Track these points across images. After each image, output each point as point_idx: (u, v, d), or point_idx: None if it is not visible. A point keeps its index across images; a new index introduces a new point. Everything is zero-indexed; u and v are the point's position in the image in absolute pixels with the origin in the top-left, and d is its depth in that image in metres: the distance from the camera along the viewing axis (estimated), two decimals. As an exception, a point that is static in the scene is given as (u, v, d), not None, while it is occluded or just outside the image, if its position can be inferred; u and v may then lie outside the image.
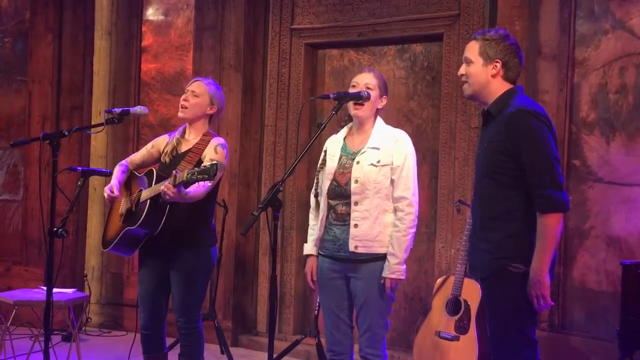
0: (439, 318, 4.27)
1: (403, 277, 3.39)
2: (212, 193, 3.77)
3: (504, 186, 2.88)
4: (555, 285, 4.52)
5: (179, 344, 3.97)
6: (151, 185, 3.66)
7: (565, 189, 4.42)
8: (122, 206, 3.83)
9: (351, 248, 3.40)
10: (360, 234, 3.39)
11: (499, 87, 2.98)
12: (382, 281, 3.38)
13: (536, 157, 2.82)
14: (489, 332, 3.02)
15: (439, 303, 4.31)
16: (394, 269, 3.37)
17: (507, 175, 2.87)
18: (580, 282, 4.51)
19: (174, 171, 3.47)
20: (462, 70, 3.04)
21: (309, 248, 3.60)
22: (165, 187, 3.41)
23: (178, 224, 3.68)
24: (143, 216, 3.59)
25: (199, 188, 3.54)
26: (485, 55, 2.97)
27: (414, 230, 3.42)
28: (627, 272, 3.86)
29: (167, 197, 3.44)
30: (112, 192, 3.77)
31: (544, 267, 2.79)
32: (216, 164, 3.29)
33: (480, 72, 2.98)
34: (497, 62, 2.96)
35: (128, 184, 3.89)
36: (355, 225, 3.40)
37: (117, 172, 3.90)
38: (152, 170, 3.76)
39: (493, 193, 2.92)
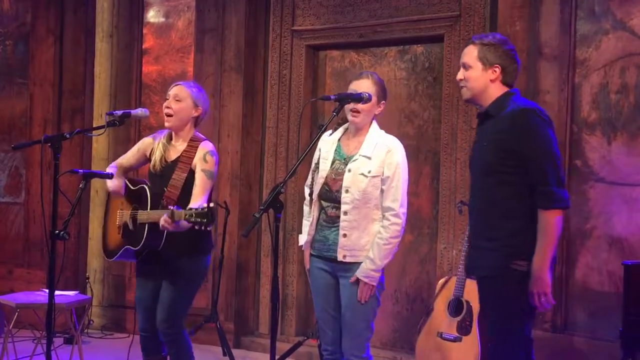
0: (441, 319, 4.27)
1: (374, 284, 3.40)
2: (207, 200, 3.75)
3: (506, 183, 2.91)
4: (558, 286, 4.51)
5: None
6: (146, 205, 3.65)
7: (567, 189, 4.47)
8: (119, 217, 3.83)
9: (340, 257, 3.43)
10: (349, 244, 3.41)
11: (497, 90, 3.03)
12: (351, 280, 3.40)
13: (540, 155, 2.87)
14: (487, 331, 3.04)
15: (441, 304, 4.31)
16: (369, 274, 3.38)
17: (508, 173, 2.90)
18: (582, 282, 4.50)
19: (172, 207, 3.44)
20: (461, 75, 3.08)
21: (303, 239, 3.61)
22: (164, 221, 3.42)
23: (178, 235, 3.65)
24: (144, 239, 3.61)
25: None
26: (485, 60, 3.01)
27: (397, 240, 3.43)
28: (629, 273, 3.85)
29: (166, 230, 3.48)
30: (116, 188, 3.78)
31: (545, 265, 2.82)
32: (211, 208, 3.30)
33: (479, 76, 3.02)
34: (496, 67, 3.01)
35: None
36: (345, 235, 3.41)
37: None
38: (144, 188, 3.72)
39: (494, 191, 2.94)
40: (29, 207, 6.22)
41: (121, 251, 3.77)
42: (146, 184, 3.78)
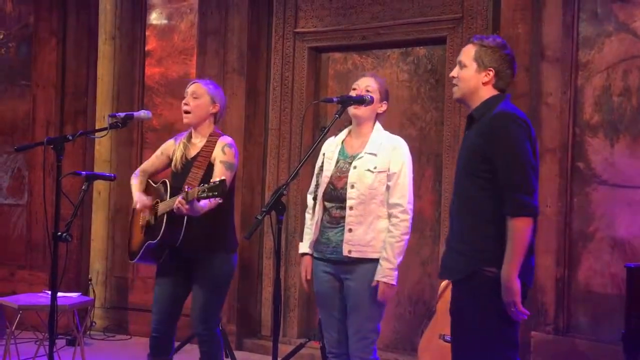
0: (443, 321, 4.26)
1: (394, 283, 3.39)
2: (229, 195, 3.73)
3: (483, 189, 2.86)
4: (560, 288, 4.52)
5: (183, 347, 3.96)
6: (166, 198, 3.67)
7: (570, 190, 4.51)
8: (143, 218, 3.84)
9: (345, 252, 3.41)
10: (355, 239, 3.40)
11: (487, 94, 2.98)
12: (373, 284, 3.39)
13: (510, 160, 2.81)
14: (456, 335, 2.93)
15: (443, 306, 4.30)
16: (387, 273, 3.37)
17: (484, 178, 2.85)
18: (585, 284, 4.50)
19: (185, 187, 3.49)
20: (455, 72, 3.04)
21: (304, 247, 3.60)
22: (179, 202, 3.44)
23: (199, 231, 3.66)
24: (162, 231, 3.61)
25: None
26: (480, 62, 2.96)
27: (407, 237, 3.42)
28: (632, 275, 3.84)
29: (182, 213, 3.47)
30: (144, 203, 3.79)
31: (513, 273, 2.76)
32: (223, 180, 3.31)
33: (472, 77, 2.98)
34: (490, 70, 2.96)
35: (146, 194, 3.89)
36: (350, 230, 3.41)
37: (137, 185, 3.90)
38: (165, 182, 3.77)
39: (472, 195, 2.90)
40: (32, 209, 6.22)
41: (142, 250, 3.75)
42: (167, 180, 3.82)
